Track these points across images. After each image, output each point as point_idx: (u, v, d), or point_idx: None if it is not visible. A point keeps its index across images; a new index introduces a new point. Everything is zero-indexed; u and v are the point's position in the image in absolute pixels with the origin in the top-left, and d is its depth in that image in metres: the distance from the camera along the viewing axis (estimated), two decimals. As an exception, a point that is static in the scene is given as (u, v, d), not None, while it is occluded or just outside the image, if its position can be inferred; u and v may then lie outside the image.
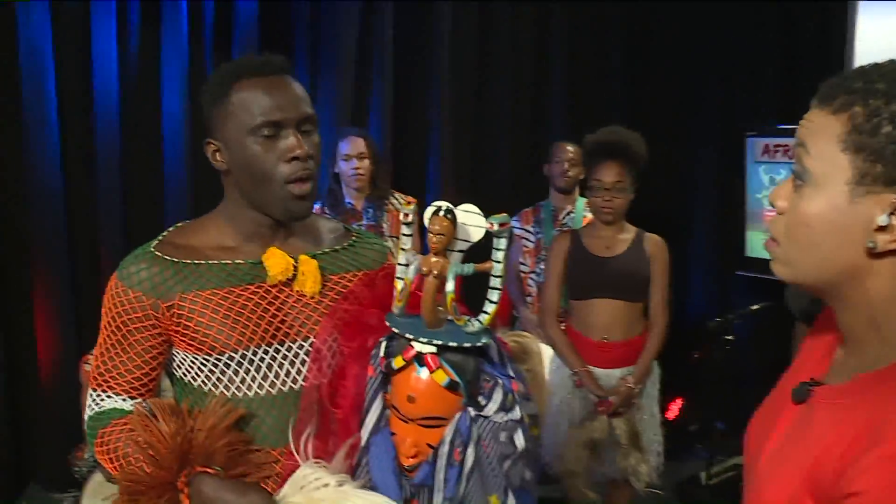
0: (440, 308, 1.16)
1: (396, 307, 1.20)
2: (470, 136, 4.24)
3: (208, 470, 1.19)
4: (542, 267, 3.39)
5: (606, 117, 3.08)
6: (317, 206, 3.42)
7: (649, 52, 4.53)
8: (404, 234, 1.23)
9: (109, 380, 1.34)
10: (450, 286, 1.12)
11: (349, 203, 3.43)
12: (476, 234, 1.17)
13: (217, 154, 1.33)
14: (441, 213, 1.13)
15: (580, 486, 2.73)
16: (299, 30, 3.84)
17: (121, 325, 1.32)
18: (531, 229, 3.61)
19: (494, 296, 1.13)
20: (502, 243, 1.11)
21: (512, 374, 1.19)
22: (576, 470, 2.73)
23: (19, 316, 3.36)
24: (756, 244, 4.11)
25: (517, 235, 3.60)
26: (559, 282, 2.85)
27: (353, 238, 1.47)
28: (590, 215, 3.34)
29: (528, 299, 3.59)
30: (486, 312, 1.13)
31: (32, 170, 3.33)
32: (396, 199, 3.51)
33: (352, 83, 3.92)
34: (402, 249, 1.21)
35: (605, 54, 4.51)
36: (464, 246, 1.18)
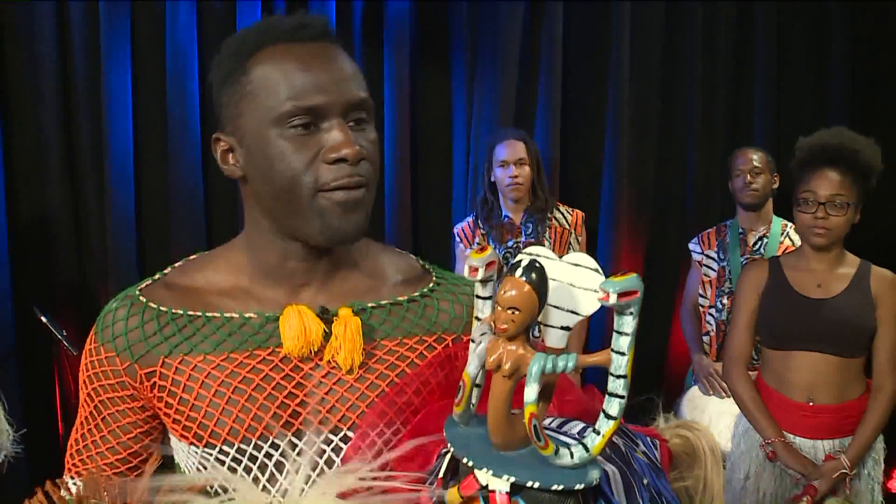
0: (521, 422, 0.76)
1: (456, 412, 0.81)
2: (653, 142, 3.80)
3: None
4: (724, 301, 3.02)
5: (821, 124, 2.55)
6: (468, 219, 3.06)
7: (879, 47, 3.91)
8: (479, 297, 0.81)
9: (79, 464, 1.01)
10: (530, 393, 0.71)
11: (506, 216, 3.10)
12: (588, 304, 0.77)
13: (229, 155, 0.95)
14: (518, 274, 0.72)
15: None
16: (456, 21, 3.59)
17: (92, 394, 0.99)
18: (714, 255, 3.10)
19: (614, 408, 0.72)
20: (627, 324, 0.70)
21: None
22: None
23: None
24: None
25: (697, 262, 3.17)
26: (752, 323, 2.42)
27: (432, 283, 1.04)
28: (788, 241, 2.95)
29: (705, 338, 3.10)
30: (597, 433, 0.74)
31: (176, 173, 3.36)
32: (561, 212, 3.13)
33: (514, 79, 3.59)
34: (477, 318, 0.81)
35: (823, 51, 3.94)
36: (570, 320, 0.78)
